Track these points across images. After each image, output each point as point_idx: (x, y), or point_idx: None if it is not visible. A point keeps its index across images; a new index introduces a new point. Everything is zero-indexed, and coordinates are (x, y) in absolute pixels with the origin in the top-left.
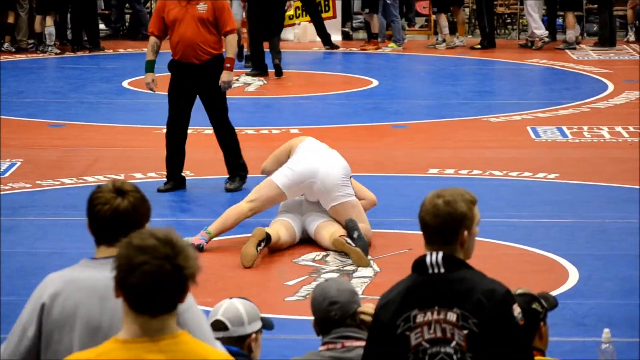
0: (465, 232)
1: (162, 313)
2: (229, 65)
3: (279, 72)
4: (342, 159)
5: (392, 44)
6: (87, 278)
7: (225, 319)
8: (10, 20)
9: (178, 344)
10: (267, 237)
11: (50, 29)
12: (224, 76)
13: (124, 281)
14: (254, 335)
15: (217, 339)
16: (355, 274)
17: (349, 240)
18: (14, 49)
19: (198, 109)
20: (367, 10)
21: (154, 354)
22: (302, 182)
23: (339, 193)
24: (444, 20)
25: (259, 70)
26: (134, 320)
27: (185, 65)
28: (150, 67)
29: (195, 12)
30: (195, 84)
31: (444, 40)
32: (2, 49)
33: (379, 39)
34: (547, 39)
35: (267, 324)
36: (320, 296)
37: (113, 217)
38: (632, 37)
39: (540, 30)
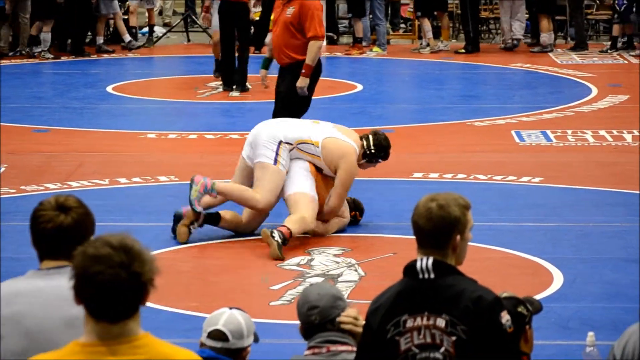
0: (458, 237)
1: (121, 319)
2: (304, 71)
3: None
4: (287, 126)
5: (376, 49)
6: (32, 287)
7: (227, 330)
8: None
9: (140, 347)
10: (208, 217)
11: (46, 35)
12: (299, 82)
13: (81, 291)
14: (249, 349)
15: (214, 348)
16: (340, 278)
17: (275, 235)
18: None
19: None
20: (350, 15)
21: (114, 356)
22: (248, 141)
23: (259, 151)
24: (427, 24)
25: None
26: (94, 326)
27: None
28: (264, 64)
29: (284, 15)
30: (276, 87)
31: (427, 45)
32: None
33: (364, 43)
34: (515, 42)
35: (255, 337)
36: (302, 300)
37: (56, 233)
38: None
39: (516, 34)
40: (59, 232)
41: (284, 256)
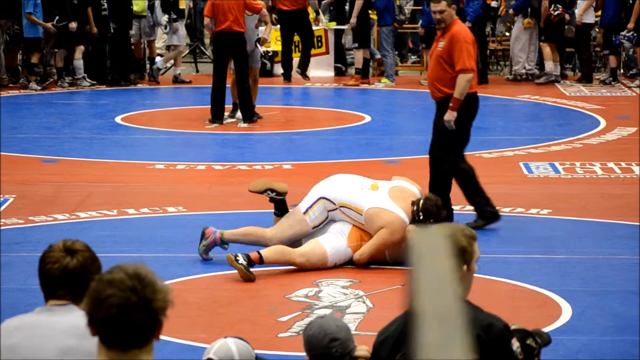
0: (465, 267)
1: (132, 347)
2: (451, 104)
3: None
4: (339, 186)
5: (384, 80)
6: (34, 320)
7: (217, 358)
8: (34, 60)
9: None
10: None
11: (78, 62)
12: (446, 115)
13: (93, 315)
14: None
15: None
16: (348, 310)
17: (239, 259)
18: (39, 87)
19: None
20: (356, 45)
21: None
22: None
23: (305, 197)
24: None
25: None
26: (105, 354)
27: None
28: None
29: (437, 49)
30: (434, 121)
31: None
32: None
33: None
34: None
35: None
36: (319, 332)
37: (62, 275)
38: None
39: (527, 66)
40: (64, 274)
41: (254, 276)
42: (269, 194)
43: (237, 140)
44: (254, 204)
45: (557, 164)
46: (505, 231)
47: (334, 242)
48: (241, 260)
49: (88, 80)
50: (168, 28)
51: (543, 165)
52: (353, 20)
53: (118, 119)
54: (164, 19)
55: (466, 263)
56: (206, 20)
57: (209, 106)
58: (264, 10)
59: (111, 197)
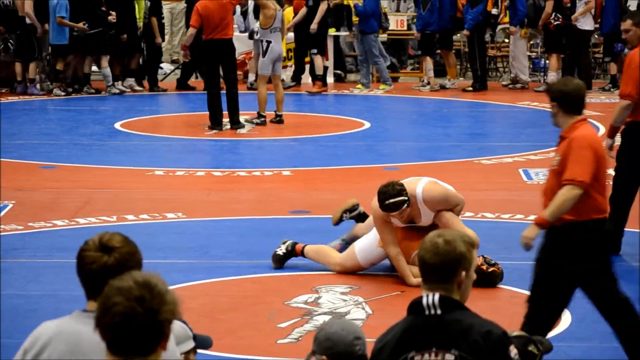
0: (463, 273)
1: (135, 355)
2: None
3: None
4: None
5: (382, 86)
6: (71, 330)
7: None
8: (59, 67)
9: None
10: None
11: (105, 70)
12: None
13: (100, 320)
14: (183, 357)
15: None
16: (347, 316)
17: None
18: (64, 94)
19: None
20: (315, 51)
21: None
22: None
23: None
24: (429, 63)
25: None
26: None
27: None
28: None
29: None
30: None
31: (428, 83)
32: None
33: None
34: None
35: (203, 343)
36: (344, 330)
37: (101, 274)
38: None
39: (524, 76)
40: (103, 273)
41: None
42: (346, 216)
43: (236, 147)
44: (253, 211)
45: None
46: (504, 238)
47: (363, 242)
48: (282, 250)
49: (117, 87)
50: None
51: (542, 172)
52: (314, 26)
53: (117, 125)
54: (256, 25)
55: (465, 269)
56: (191, 31)
57: (205, 112)
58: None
59: (110, 203)
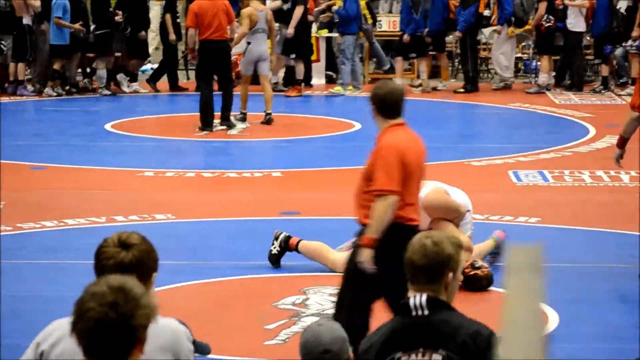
0: (450, 274)
1: None
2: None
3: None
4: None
5: (337, 87)
6: None
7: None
8: (57, 66)
9: None
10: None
11: (102, 72)
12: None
13: (74, 326)
14: None
15: None
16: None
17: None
18: (55, 94)
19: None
20: (294, 56)
21: None
22: None
23: None
24: (423, 65)
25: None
26: None
27: None
28: None
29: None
30: None
31: (420, 85)
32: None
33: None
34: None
35: (202, 349)
36: (314, 341)
37: (118, 270)
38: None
39: (505, 74)
40: (120, 268)
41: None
42: None
43: (227, 148)
44: (244, 212)
45: (546, 172)
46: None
47: None
48: (277, 248)
49: (108, 89)
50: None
51: (532, 174)
52: (290, 30)
53: (108, 126)
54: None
55: (452, 271)
56: (190, 31)
57: (198, 114)
58: (235, 24)
59: (100, 204)
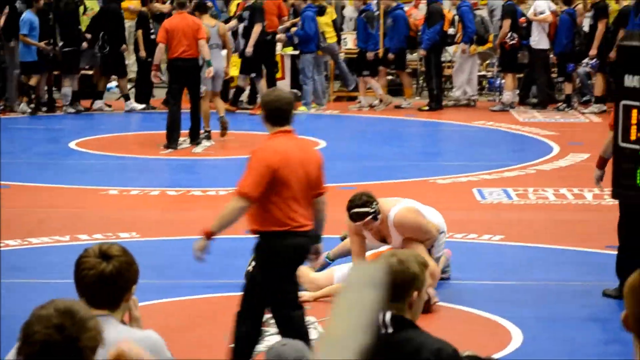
0: (415, 293)
1: None
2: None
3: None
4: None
5: (302, 107)
6: None
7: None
8: (32, 82)
9: None
10: None
11: (67, 89)
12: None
13: (21, 349)
14: None
15: None
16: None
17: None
18: (29, 110)
19: None
20: (253, 75)
21: None
22: None
23: None
24: (374, 82)
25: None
26: None
27: None
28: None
29: None
30: None
31: (380, 101)
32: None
33: (325, 100)
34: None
35: None
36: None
37: (98, 281)
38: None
39: (457, 92)
40: (100, 279)
41: None
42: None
43: (192, 166)
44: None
45: (510, 190)
46: (458, 257)
47: (344, 270)
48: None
49: (74, 107)
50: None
51: (496, 191)
52: (249, 49)
53: (72, 145)
54: None
55: (417, 290)
56: (160, 46)
57: (164, 131)
58: (204, 42)
59: (64, 222)
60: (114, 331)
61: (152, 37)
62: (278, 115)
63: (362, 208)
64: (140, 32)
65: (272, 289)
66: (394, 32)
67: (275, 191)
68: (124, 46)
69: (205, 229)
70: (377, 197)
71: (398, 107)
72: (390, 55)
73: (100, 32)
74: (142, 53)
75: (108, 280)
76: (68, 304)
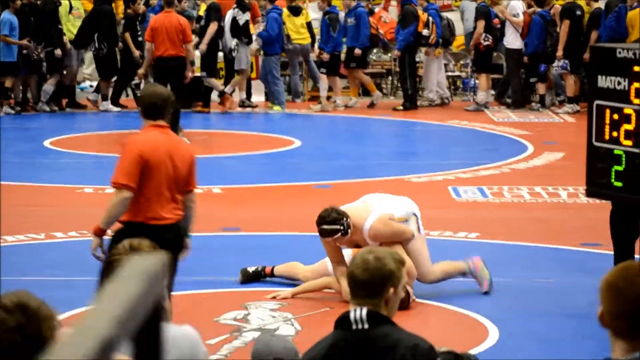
0: (392, 290)
1: None
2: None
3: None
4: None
5: (276, 107)
6: None
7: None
8: (8, 84)
9: None
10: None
11: (48, 87)
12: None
13: None
14: None
15: None
16: (276, 332)
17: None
18: (13, 111)
19: None
20: (204, 74)
21: None
22: None
23: None
24: (324, 82)
25: None
26: None
27: None
28: None
29: None
30: None
31: (319, 102)
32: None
33: (300, 99)
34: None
35: None
36: (266, 350)
37: None
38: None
39: (430, 94)
40: None
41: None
42: None
43: None
44: None
45: (485, 188)
46: (433, 255)
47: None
48: (252, 269)
49: (48, 106)
50: (236, 52)
51: (471, 190)
52: (203, 46)
53: (47, 143)
54: (233, 43)
55: (394, 286)
56: (147, 45)
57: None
58: (190, 47)
59: (39, 221)
60: None
61: (140, 39)
62: (152, 109)
63: (331, 225)
64: (127, 34)
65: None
66: (357, 32)
67: (147, 184)
68: (119, 45)
69: (95, 226)
70: (347, 211)
71: (372, 104)
72: (357, 51)
73: (94, 34)
74: (136, 53)
75: None
76: (15, 300)
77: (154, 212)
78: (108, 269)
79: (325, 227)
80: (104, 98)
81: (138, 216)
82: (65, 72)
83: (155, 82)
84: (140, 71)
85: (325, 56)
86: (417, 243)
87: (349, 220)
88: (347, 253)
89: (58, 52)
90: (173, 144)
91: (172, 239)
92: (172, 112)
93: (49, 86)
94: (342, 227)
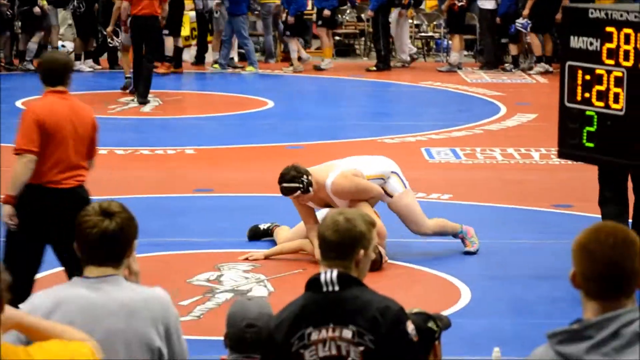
0: (362, 252)
1: None
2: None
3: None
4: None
5: (249, 68)
6: (79, 296)
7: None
8: None
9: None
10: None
11: (32, 45)
12: None
13: None
14: None
15: None
16: (249, 294)
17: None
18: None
19: None
20: (166, 32)
21: None
22: None
23: None
24: (293, 44)
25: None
26: None
27: None
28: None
29: None
30: None
31: (291, 64)
32: None
33: (273, 60)
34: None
35: None
36: (239, 314)
37: (101, 239)
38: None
39: (403, 55)
40: (103, 237)
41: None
42: None
43: (139, 125)
44: (157, 189)
45: (458, 149)
46: None
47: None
48: (264, 226)
49: (79, 66)
50: (218, 13)
51: (444, 151)
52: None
53: (18, 104)
54: (214, 3)
55: (364, 248)
56: (124, 4)
57: (113, 91)
58: (166, 6)
59: (9, 182)
60: (123, 290)
61: None
62: (51, 76)
63: (290, 183)
64: None
65: (34, 244)
66: None
67: (41, 146)
68: (95, 6)
69: (6, 195)
70: (310, 168)
71: (317, 67)
72: (327, 12)
73: None
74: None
75: (111, 237)
76: None
77: (52, 175)
78: (79, 231)
79: (284, 184)
80: (77, 58)
81: (36, 179)
82: (51, 31)
83: (134, 40)
84: (109, 29)
85: (291, 19)
86: (406, 198)
87: (309, 177)
88: (322, 214)
89: (37, 9)
90: (73, 110)
91: (70, 204)
92: (144, 72)
93: (33, 44)
94: (301, 185)
